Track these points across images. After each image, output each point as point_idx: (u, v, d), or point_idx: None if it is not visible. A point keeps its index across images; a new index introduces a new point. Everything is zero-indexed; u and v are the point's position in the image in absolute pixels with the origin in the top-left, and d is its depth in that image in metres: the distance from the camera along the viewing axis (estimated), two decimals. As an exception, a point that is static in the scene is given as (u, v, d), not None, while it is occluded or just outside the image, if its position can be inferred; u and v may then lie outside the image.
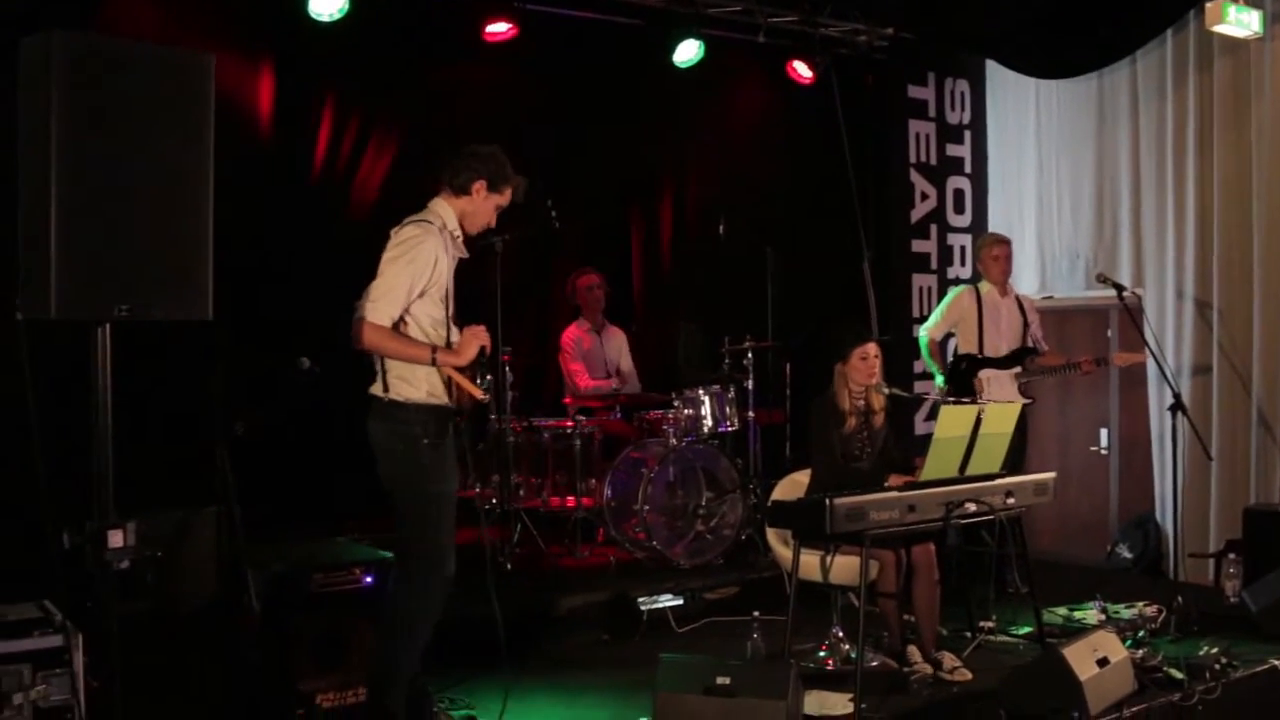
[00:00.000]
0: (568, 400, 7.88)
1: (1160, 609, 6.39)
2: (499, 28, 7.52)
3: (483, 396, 4.56)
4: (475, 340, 4.49)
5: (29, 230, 3.52)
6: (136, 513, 3.75)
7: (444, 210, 4.61)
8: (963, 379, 7.28)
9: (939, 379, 7.55)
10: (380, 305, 4.39)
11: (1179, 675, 5.33)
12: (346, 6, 6.82)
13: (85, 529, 3.59)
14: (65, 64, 3.38)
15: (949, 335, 7.58)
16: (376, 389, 4.55)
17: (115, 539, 3.60)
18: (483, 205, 4.63)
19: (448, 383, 4.48)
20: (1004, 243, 7.51)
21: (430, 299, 4.48)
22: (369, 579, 4.96)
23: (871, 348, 5.86)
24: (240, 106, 7.03)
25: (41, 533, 3.84)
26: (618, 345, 8.19)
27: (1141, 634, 6.08)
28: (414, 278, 4.41)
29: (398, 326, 4.45)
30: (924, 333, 7.60)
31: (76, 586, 4.00)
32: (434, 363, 4.43)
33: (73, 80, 3.39)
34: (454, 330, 4.56)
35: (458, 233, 4.62)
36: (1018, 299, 7.46)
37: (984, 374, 7.23)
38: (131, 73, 3.53)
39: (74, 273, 3.44)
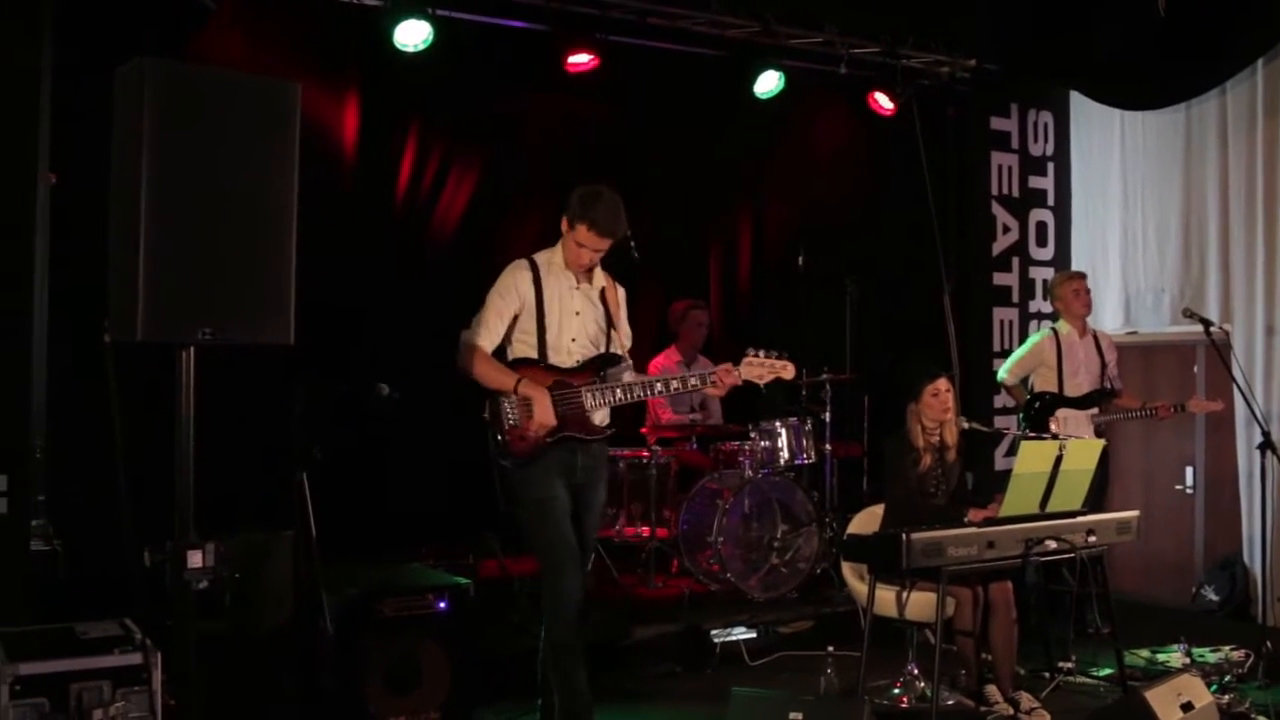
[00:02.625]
0: (645, 430, 7.87)
1: (1247, 653, 6.23)
2: (581, 59, 7.56)
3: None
4: (533, 405, 4.73)
5: (118, 254, 3.58)
6: (216, 534, 3.80)
7: (559, 244, 4.94)
8: (1039, 417, 7.20)
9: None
10: (476, 330, 4.85)
11: (1267, 722, 5.21)
12: (431, 37, 6.90)
13: (166, 548, 3.64)
14: (156, 91, 3.45)
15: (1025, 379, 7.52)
16: None
17: (194, 559, 3.65)
18: (569, 241, 4.87)
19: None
20: (1083, 277, 7.45)
21: (521, 324, 4.88)
22: (442, 604, 4.98)
23: (942, 384, 5.81)
24: (325, 134, 7.14)
25: (124, 551, 3.90)
26: None
27: (1228, 679, 5.92)
28: (498, 306, 4.86)
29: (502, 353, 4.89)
30: (1001, 374, 7.55)
31: (156, 605, 4.06)
32: (516, 390, 4.75)
33: (163, 107, 3.46)
34: (550, 346, 4.85)
35: (560, 262, 4.91)
36: (1095, 337, 7.37)
37: (1060, 413, 7.14)
38: (220, 100, 3.60)
39: (160, 296, 3.50)
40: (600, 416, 4.92)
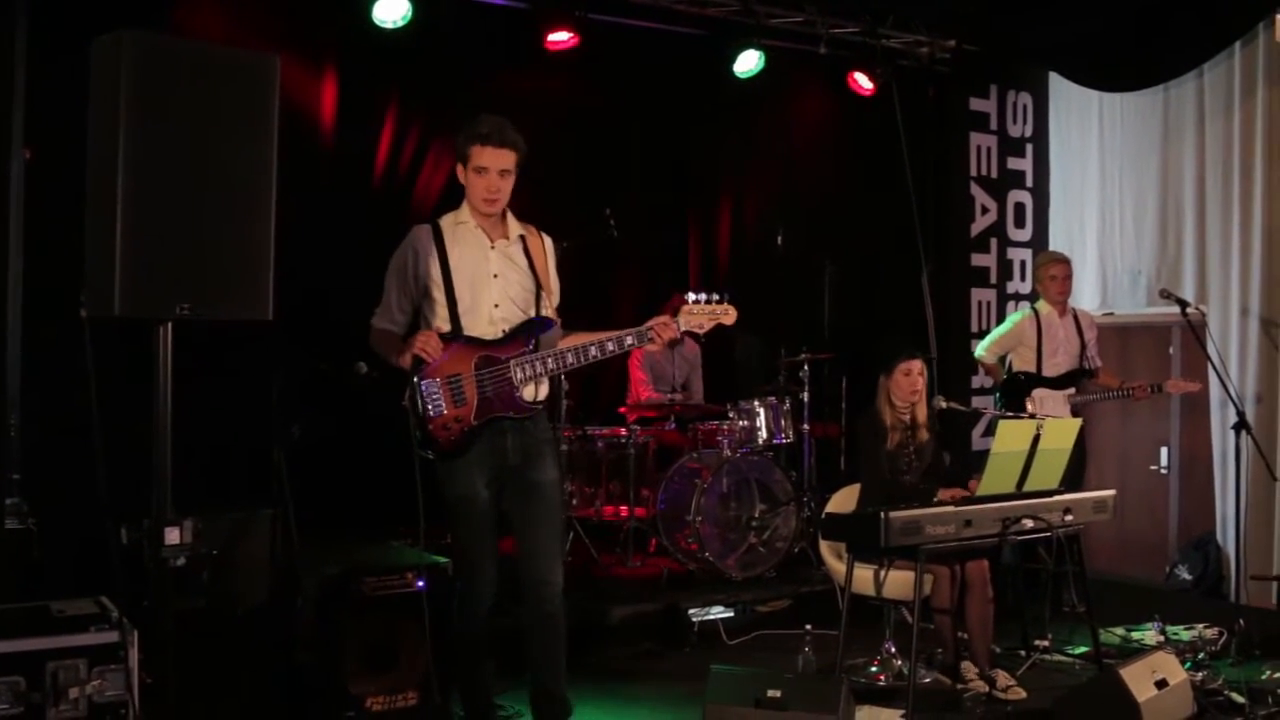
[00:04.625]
0: (623, 410, 7.87)
1: (1221, 631, 6.29)
2: (560, 37, 7.55)
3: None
4: (405, 353, 4.38)
5: (94, 228, 3.56)
6: (193, 512, 3.78)
7: (463, 204, 4.56)
8: (1016, 396, 7.23)
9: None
10: (378, 310, 4.55)
11: (1240, 699, 5.24)
12: (409, 14, 6.88)
13: (143, 526, 3.62)
14: (134, 63, 3.42)
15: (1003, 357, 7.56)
16: None
17: (172, 536, 3.63)
18: (468, 184, 4.48)
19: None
20: (1062, 262, 7.43)
21: (432, 297, 4.48)
22: (421, 583, 4.96)
23: (916, 364, 5.82)
24: (304, 111, 7.11)
25: (100, 528, 3.87)
26: (691, 360, 8.14)
27: (1201, 656, 5.98)
28: (396, 280, 4.49)
29: (418, 328, 4.50)
30: (979, 351, 7.58)
31: (133, 583, 4.04)
32: (398, 363, 4.42)
33: (141, 79, 3.43)
34: (465, 317, 4.44)
35: (469, 222, 4.52)
36: (1075, 317, 7.39)
37: (1036, 393, 7.17)
38: (199, 73, 3.57)
39: (137, 271, 3.47)
40: (530, 391, 4.47)
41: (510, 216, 4.59)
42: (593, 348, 4.46)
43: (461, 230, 4.50)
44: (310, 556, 4.92)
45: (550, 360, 4.44)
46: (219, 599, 4.81)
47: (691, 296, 4.54)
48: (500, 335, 4.46)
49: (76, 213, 3.70)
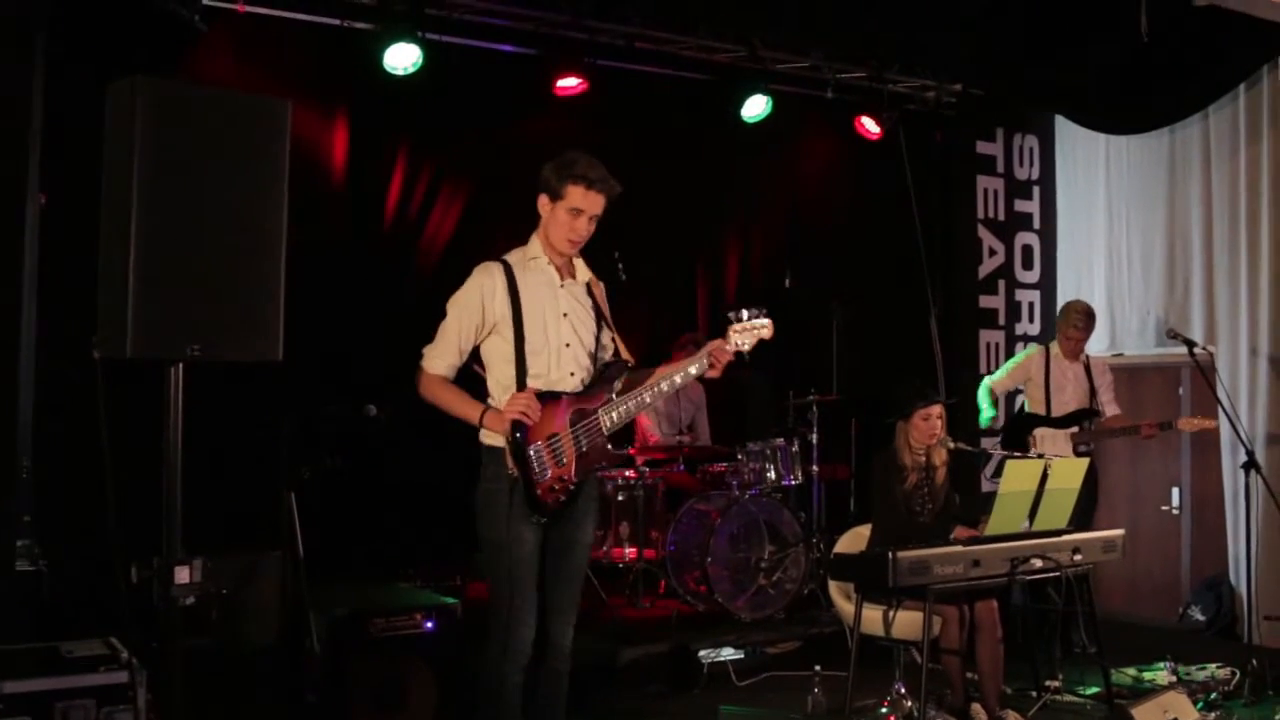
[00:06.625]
0: (633, 451, 7.88)
1: (1234, 672, 6.25)
2: (569, 82, 7.63)
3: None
4: (505, 416, 4.14)
5: (107, 270, 3.60)
6: (203, 553, 3.80)
7: (533, 239, 4.38)
8: (1017, 434, 7.22)
9: (984, 415, 7.50)
10: (432, 351, 4.31)
11: (1253, 740, 5.22)
12: (421, 60, 6.95)
13: (153, 564, 3.64)
14: (148, 108, 3.48)
15: (1016, 392, 7.56)
16: None
17: (182, 575, 3.65)
18: (552, 219, 4.30)
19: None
20: (1078, 328, 7.27)
21: (499, 335, 4.28)
22: (429, 624, 4.98)
23: (935, 409, 5.80)
24: (316, 155, 7.17)
25: (110, 571, 3.89)
26: (695, 402, 8.17)
27: (1214, 696, 5.94)
28: (460, 321, 4.26)
29: (470, 372, 4.33)
30: (988, 382, 7.59)
31: (143, 624, 4.05)
32: (481, 424, 4.20)
33: (155, 123, 3.48)
34: (531, 365, 4.24)
35: (540, 258, 4.34)
36: (1086, 362, 7.38)
37: (1038, 431, 7.16)
38: (211, 117, 3.63)
39: (150, 313, 3.51)
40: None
41: (580, 260, 4.47)
42: (663, 383, 4.31)
43: (533, 267, 4.33)
44: (320, 597, 4.92)
45: (632, 403, 4.30)
46: (228, 639, 4.81)
47: (733, 314, 4.39)
48: (572, 380, 4.31)
49: (89, 256, 3.75)
